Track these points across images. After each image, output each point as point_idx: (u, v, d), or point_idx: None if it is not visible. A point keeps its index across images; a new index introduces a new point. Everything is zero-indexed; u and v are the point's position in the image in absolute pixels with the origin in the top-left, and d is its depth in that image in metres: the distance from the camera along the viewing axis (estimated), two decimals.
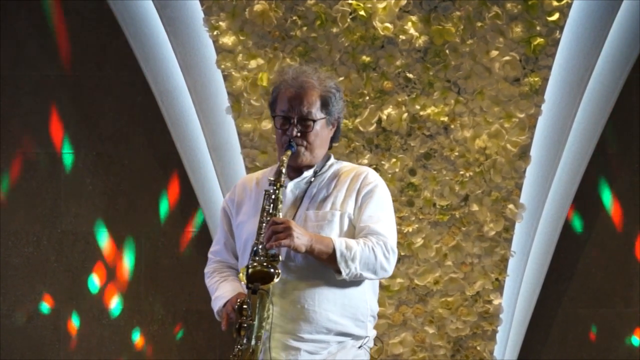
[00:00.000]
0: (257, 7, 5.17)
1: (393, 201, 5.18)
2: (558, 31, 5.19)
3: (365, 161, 5.24)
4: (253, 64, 5.19)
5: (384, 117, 5.23)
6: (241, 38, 5.21)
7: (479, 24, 5.19)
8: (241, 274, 3.42)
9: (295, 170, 3.58)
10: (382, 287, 5.29)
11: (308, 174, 3.59)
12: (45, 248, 5.82)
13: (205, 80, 5.36)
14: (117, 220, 5.82)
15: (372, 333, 3.61)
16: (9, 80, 5.80)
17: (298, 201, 3.56)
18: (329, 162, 3.65)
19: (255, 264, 3.39)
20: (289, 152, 3.50)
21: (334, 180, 3.59)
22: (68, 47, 5.80)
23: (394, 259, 3.52)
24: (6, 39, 5.79)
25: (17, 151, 5.81)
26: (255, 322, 3.37)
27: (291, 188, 3.56)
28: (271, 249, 3.38)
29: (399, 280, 5.30)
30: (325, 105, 3.56)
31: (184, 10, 5.34)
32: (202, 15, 5.23)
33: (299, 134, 3.52)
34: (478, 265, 5.31)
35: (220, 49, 5.21)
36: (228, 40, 5.20)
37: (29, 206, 5.82)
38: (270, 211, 3.44)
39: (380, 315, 5.30)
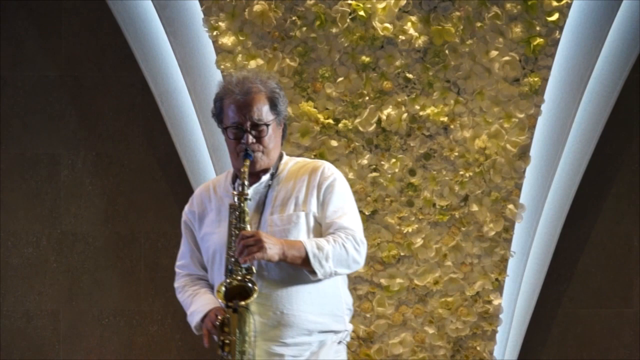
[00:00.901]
0: (257, 8, 5.17)
1: (393, 201, 5.26)
2: (558, 31, 5.19)
3: (365, 161, 5.24)
4: (253, 64, 5.19)
5: (384, 117, 5.23)
6: (241, 38, 5.21)
7: (479, 24, 5.18)
8: (218, 292, 3.43)
9: (253, 175, 3.58)
10: (382, 288, 5.30)
11: (266, 177, 3.59)
12: (45, 248, 5.82)
13: (205, 81, 5.36)
14: (117, 221, 5.82)
15: (350, 327, 3.65)
16: (9, 80, 5.80)
17: (260, 206, 3.58)
18: (283, 161, 3.66)
19: (229, 280, 3.40)
20: (247, 162, 3.51)
21: (292, 179, 3.60)
22: (68, 47, 5.80)
23: (364, 249, 3.58)
24: (6, 39, 5.79)
25: (17, 151, 5.81)
26: (238, 337, 3.38)
27: (251, 194, 3.56)
28: (244, 263, 3.39)
29: (398, 280, 5.29)
30: (273, 106, 3.58)
31: (183, 11, 5.34)
32: (201, 15, 5.23)
33: (254, 141, 3.53)
34: (478, 266, 5.31)
35: (219, 49, 5.21)
36: (227, 40, 5.20)
37: (29, 206, 5.82)
38: (238, 225, 3.45)
39: (380, 315, 5.30)
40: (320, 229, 3.57)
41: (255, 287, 3.39)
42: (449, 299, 5.32)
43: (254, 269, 3.43)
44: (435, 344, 5.33)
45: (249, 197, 3.49)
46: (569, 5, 5.17)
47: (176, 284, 3.76)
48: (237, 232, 3.44)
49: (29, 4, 5.78)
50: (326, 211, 3.56)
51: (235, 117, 3.55)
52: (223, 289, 3.40)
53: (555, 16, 5.17)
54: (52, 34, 5.80)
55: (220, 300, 3.44)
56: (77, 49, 5.80)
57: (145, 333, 5.84)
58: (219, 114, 3.63)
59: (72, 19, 5.79)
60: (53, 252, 5.82)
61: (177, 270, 3.77)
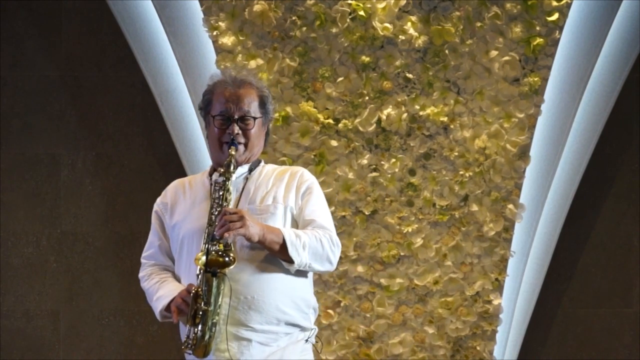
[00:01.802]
0: (257, 8, 5.17)
1: (393, 201, 5.25)
2: (557, 31, 5.19)
3: (365, 161, 5.24)
4: (252, 64, 5.19)
5: (384, 117, 5.23)
6: (241, 38, 5.21)
7: (479, 24, 5.19)
8: (196, 260, 3.43)
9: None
10: (382, 287, 5.30)
11: (243, 170, 3.64)
12: (45, 248, 5.82)
13: (205, 81, 5.30)
14: (117, 221, 5.82)
15: (315, 327, 3.67)
16: (9, 80, 5.80)
17: (237, 198, 3.60)
18: (261, 164, 3.71)
19: (210, 248, 3.41)
20: (233, 149, 3.55)
21: (271, 178, 3.64)
22: (68, 47, 5.80)
23: (338, 252, 3.60)
24: (6, 39, 5.79)
25: (17, 151, 5.81)
26: (211, 308, 3.40)
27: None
28: (224, 238, 3.40)
29: (398, 280, 5.30)
30: (262, 104, 3.64)
31: (183, 11, 5.34)
32: (201, 15, 5.23)
33: (239, 132, 3.58)
34: (478, 266, 5.31)
35: (219, 49, 5.21)
36: (227, 40, 5.20)
37: (29, 206, 5.82)
38: (220, 202, 3.48)
39: (380, 315, 5.30)
40: (296, 226, 3.61)
41: (234, 257, 3.41)
42: (449, 299, 5.32)
43: (232, 246, 3.44)
44: (435, 344, 5.33)
45: (231, 177, 3.52)
46: (569, 5, 5.18)
47: (141, 274, 3.75)
48: (219, 209, 3.47)
49: (29, 4, 5.78)
50: (304, 210, 3.61)
51: (224, 106, 3.60)
52: (203, 257, 3.40)
53: (555, 16, 5.17)
54: (52, 34, 5.80)
55: (197, 266, 3.44)
56: (77, 49, 5.81)
57: (145, 333, 5.84)
58: (206, 106, 3.67)
59: (72, 19, 5.79)
60: (53, 252, 5.82)
61: (143, 260, 3.77)
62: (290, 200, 3.61)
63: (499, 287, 5.33)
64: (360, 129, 5.24)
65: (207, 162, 5.45)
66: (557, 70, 5.29)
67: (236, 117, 3.58)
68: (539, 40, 5.18)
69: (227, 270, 3.41)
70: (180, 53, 5.36)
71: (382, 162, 5.26)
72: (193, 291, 3.42)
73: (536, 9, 5.17)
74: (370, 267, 5.30)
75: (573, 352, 5.80)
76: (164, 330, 5.82)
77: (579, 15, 5.29)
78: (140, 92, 5.74)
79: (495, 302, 5.32)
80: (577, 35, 5.32)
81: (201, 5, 5.22)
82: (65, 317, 5.83)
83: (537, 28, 5.18)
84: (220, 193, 3.50)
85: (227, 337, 3.46)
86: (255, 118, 3.60)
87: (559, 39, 5.21)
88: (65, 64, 5.81)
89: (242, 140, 3.59)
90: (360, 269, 5.29)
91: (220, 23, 5.20)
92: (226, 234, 3.38)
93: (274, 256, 3.50)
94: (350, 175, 5.24)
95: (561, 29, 5.19)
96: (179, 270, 3.66)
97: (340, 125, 5.24)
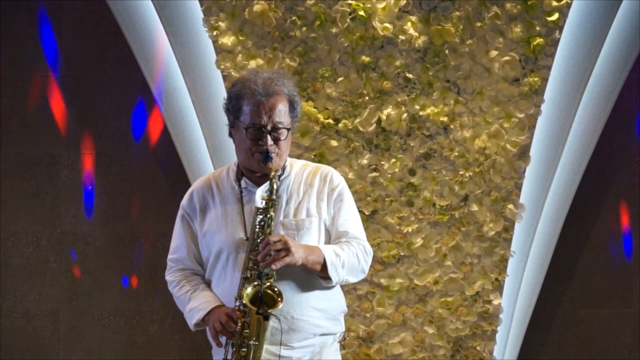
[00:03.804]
0: (257, 8, 5.17)
1: (393, 201, 5.25)
2: (557, 31, 5.19)
3: (365, 161, 5.24)
4: (252, 64, 5.19)
5: (384, 117, 5.23)
6: (241, 38, 5.21)
7: (479, 24, 5.18)
8: (244, 295, 3.40)
9: (262, 175, 3.58)
10: (382, 287, 5.30)
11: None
12: (45, 248, 5.82)
13: (205, 81, 5.36)
14: (117, 221, 5.82)
15: (344, 327, 3.71)
16: (9, 80, 5.80)
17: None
18: (288, 162, 3.66)
19: (259, 284, 3.38)
20: (270, 164, 3.49)
21: (301, 184, 3.61)
22: (68, 47, 5.80)
23: (370, 260, 3.64)
24: (6, 39, 5.79)
25: (17, 151, 5.81)
26: (257, 343, 3.41)
27: (260, 194, 3.56)
28: (272, 268, 3.39)
29: (398, 280, 5.29)
30: (292, 109, 3.59)
31: (183, 11, 5.34)
32: (201, 15, 5.23)
33: (272, 143, 3.52)
34: (478, 266, 5.31)
35: (219, 49, 5.21)
36: (227, 40, 5.20)
37: (29, 206, 5.82)
38: (264, 229, 3.46)
39: (380, 315, 5.30)
40: (328, 235, 3.61)
41: (282, 297, 3.40)
42: (449, 299, 5.32)
43: (274, 275, 3.43)
44: (435, 344, 5.33)
45: (277, 202, 3.49)
46: (569, 5, 5.17)
47: (169, 277, 3.73)
48: (262, 236, 3.44)
49: (29, 4, 5.78)
50: (337, 220, 3.60)
51: (256, 118, 3.52)
52: (250, 291, 3.38)
53: (555, 16, 5.17)
54: (52, 34, 5.80)
55: (244, 301, 3.41)
56: (77, 49, 5.80)
57: (145, 333, 5.84)
58: (235, 111, 3.58)
59: (72, 19, 5.79)
60: (53, 252, 5.82)
61: (170, 263, 3.74)
62: (323, 212, 3.59)
63: (499, 287, 5.33)
64: (360, 129, 5.24)
65: (207, 162, 5.45)
66: (557, 70, 5.29)
67: (269, 128, 3.52)
68: (539, 40, 5.18)
69: (277, 308, 3.40)
70: (180, 53, 5.36)
71: (382, 162, 5.26)
72: (240, 323, 3.40)
73: (536, 9, 5.16)
74: (370, 267, 5.29)
75: (573, 352, 5.80)
76: (164, 330, 5.82)
77: (579, 15, 5.29)
78: (140, 92, 5.74)
79: (495, 302, 5.32)
80: (577, 35, 5.31)
81: (201, 5, 5.22)
82: (65, 317, 5.83)
83: (537, 28, 5.18)
84: (262, 217, 3.46)
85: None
86: (288, 129, 3.55)
87: (559, 39, 5.20)
88: (65, 64, 5.81)
89: (274, 150, 3.53)
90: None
91: (220, 23, 5.20)
92: (272, 265, 3.37)
93: (310, 273, 3.51)
94: (350, 176, 5.23)
95: (561, 29, 5.19)
96: (211, 276, 3.64)
97: (340, 125, 5.23)
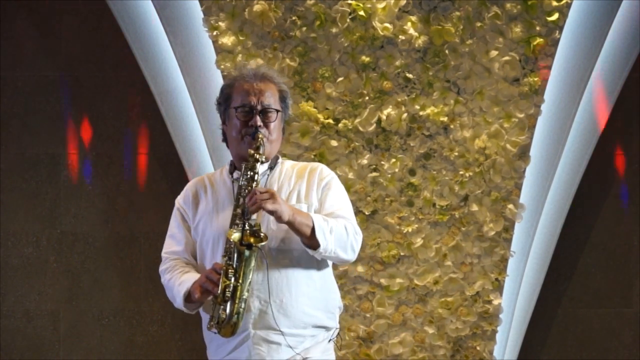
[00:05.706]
0: (257, 8, 5.17)
1: (393, 201, 5.25)
2: (557, 31, 5.19)
3: (365, 161, 5.24)
4: (252, 64, 5.18)
5: (384, 117, 5.23)
6: (241, 38, 5.21)
7: (479, 24, 5.18)
8: (230, 236, 3.40)
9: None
10: (382, 287, 5.30)
11: (263, 167, 3.62)
12: (45, 248, 5.82)
13: (205, 81, 5.36)
14: (117, 221, 5.82)
15: (338, 327, 3.69)
16: (9, 80, 5.80)
17: None
18: (280, 160, 3.71)
19: (241, 226, 3.40)
20: (258, 135, 3.53)
21: (292, 176, 3.64)
22: (68, 47, 5.80)
23: (360, 240, 3.61)
24: (6, 39, 5.79)
25: (17, 151, 5.81)
26: (242, 283, 3.39)
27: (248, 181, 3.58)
28: (252, 214, 3.40)
29: (398, 280, 5.30)
30: (282, 99, 3.65)
31: (183, 11, 5.34)
32: (201, 15, 5.23)
33: (261, 124, 3.57)
34: (478, 265, 5.31)
35: (219, 49, 5.21)
36: (227, 40, 5.20)
37: (29, 206, 5.82)
38: (250, 184, 3.47)
39: (380, 315, 5.30)
40: None
41: (265, 235, 3.40)
42: (449, 299, 5.32)
43: (260, 225, 3.45)
44: (435, 344, 5.33)
45: (263, 158, 3.51)
46: (569, 5, 5.18)
47: (163, 267, 3.72)
48: (249, 188, 3.45)
49: (29, 4, 5.78)
50: (324, 203, 3.61)
51: (246, 99, 3.58)
52: (236, 233, 3.39)
53: (555, 16, 5.17)
54: (52, 34, 5.80)
55: (230, 239, 3.42)
56: (77, 49, 5.81)
57: (145, 333, 5.84)
58: (225, 100, 3.64)
59: (72, 19, 5.79)
60: (53, 252, 5.82)
61: (164, 256, 3.74)
62: (313, 199, 3.61)
63: (499, 287, 5.33)
64: (360, 129, 5.24)
65: (207, 162, 5.45)
66: (557, 70, 5.29)
67: (259, 108, 3.58)
68: (539, 40, 5.18)
69: (263, 243, 3.40)
70: (180, 53, 5.36)
71: (382, 162, 5.26)
72: (223, 269, 3.40)
73: (536, 9, 5.17)
74: (370, 267, 5.30)
75: (573, 352, 5.80)
76: (164, 330, 5.82)
77: (579, 15, 5.29)
78: (140, 92, 5.74)
79: (495, 302, 5.32)
80: (577, 35, 5.31)
81: (201, 5, 5.22)
82: (65, 317, 5.83)
83: (537, 28, 5.18)
84: (250, 174, 3.48)
85: (252, 343, 3.48)
86: (277, 111, 3.60)
87: (559, 39, 5.21)
88: (65, 64, 5.81)
89: (266, 134, 3.57)
90: (360, 269, 5.29)
91: (220, 23, 5.20)
92: (253, 206, 3.36)
93: (300, 254, 3.52)
94: (350, 176, 5.23)
95: (561, 29, 5.19)
96: (203, 261, 3.64)
97: (340, 125, 5.24)
